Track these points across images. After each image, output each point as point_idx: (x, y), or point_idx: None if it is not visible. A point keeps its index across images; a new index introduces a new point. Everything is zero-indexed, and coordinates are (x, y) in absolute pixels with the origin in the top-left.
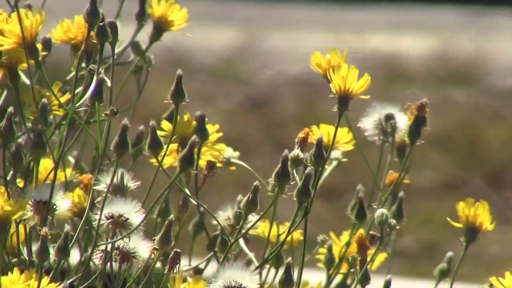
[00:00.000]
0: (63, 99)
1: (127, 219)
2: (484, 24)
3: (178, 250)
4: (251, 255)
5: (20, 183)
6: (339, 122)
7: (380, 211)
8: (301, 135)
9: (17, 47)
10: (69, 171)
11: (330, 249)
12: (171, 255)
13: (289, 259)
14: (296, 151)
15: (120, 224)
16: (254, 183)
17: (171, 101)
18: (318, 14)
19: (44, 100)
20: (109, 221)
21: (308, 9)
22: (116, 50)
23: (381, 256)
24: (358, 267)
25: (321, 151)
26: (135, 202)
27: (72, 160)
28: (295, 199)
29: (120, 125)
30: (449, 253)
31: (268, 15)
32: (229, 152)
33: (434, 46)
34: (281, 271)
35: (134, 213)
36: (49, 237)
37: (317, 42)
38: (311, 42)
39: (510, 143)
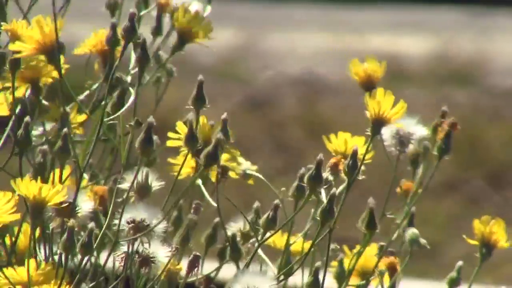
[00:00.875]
0: (80, 118)
1: (148, 224)
2: (484, 24)
3: (198, 254)
4: (271, 264)
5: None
6: (370, 144)
7: (412, 231)
8: (332, 161)
9: (36, 53)
10: (85, 181)
11: (341, 263)
12: (190, 258)
13: (318, 263)
14: (326, 175)
15: (141, 229)
16: (275, 201)
17: (192, 107)
18: (318, 14)
19: (67, 109)
20: (130, 225)
21: (308, 9)
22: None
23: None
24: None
25: (356, 162)
26: (157, 208)
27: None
28: (318, 218)
29: (146, 123)
30: (459, 263)
31: (268, 15)
32: (246, 165)
33: (434, 46)
34: (292, 278)
35: (155, 219)
36: (76, 229)
37: (317, 42)
38: (311, 42)
39: (510, 143)
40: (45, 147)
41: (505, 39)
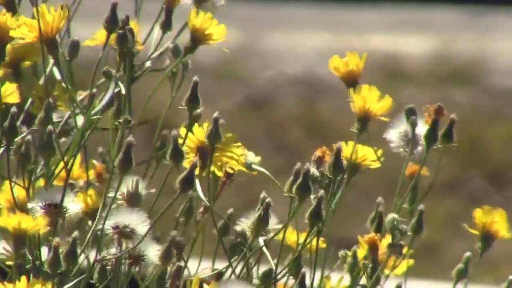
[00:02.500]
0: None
1: (132, 229)
2: (485, 24)
3: (181, 265)
4: (273, 263)
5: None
6: (357, 140)
7: (391, 217)
8: (317, 153)
9: (37, 41)
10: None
11: (355, 255)
12: (174, 269)
13: (304, 270)
14: (312, 169)
15: (125, 235)
16: (266, 200)
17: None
18: (318, 14)
19: (50, 100)
20: (115, 231)
21: (308, 8)
22: (154, 55)
23: (404, 264)
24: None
25: (340, 161)
26: (142, 212)
27: (95, 162)
28: (306, 221)
29: (125, 142)
30: (467, 253)
31: (268, 15)
32: (251, 157)
33: (434, 46)
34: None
35: (140, 224)
36: (60, 247)
37: (317, 42)
38: (311, 42)
39: (510, 143)
40: (29, 137)
41: (505, 39)
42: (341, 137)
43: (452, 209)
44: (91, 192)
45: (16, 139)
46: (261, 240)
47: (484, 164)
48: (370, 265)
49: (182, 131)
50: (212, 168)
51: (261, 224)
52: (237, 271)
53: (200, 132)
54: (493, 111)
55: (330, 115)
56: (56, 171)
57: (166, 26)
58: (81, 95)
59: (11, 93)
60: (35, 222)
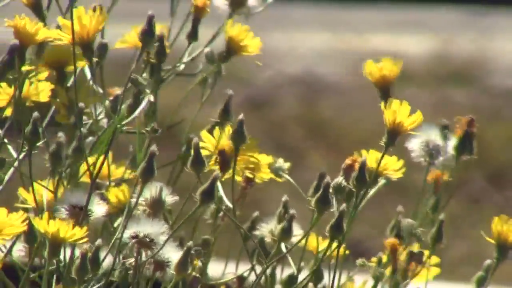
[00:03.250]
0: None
1: (152, 239)
2: (484, 24)
3: (197, 275)
4: (294, 268)
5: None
6: (385, 153)
7: (407, 222)
8: (348, 162)
9: (74, 44)
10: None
11: (380, 262)
12: (190, 281)
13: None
14: (340, 179)
15: (145, 244)
16: (291, 212)
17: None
18: (318, 14)
19: (82, 105)
20: (134, 240)
21: (308, 8)
22: (186, 60)
23: (434, 271)
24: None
25: (364, 175)
26: (162, 222)
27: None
28: (327, 234)
29: (148, 151)
30: (488, 261)
31: (268, 15)
32: (279, 163)
33: (434, 46)
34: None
35: (160, 234)
36: (89, 254)
37: (317, 42)
38: (311, 41)
39: (510, 143)
40: (62, 139)
41: (505, 39)
42: (341, 137)
43: (452, 209)
44: (123, 187)
45: (38, 144)
46: (282, 245)
47: (484, 164)
48: (394, 274)
49: (204, 135)
50: (230, 173)
51: (285, 235)
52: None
53: (221, 136)
54: (493, 111)
55: (330, 115)
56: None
57: (192, 37)
58: (112, 92)
59: (42, 90)
60: (72, 232)
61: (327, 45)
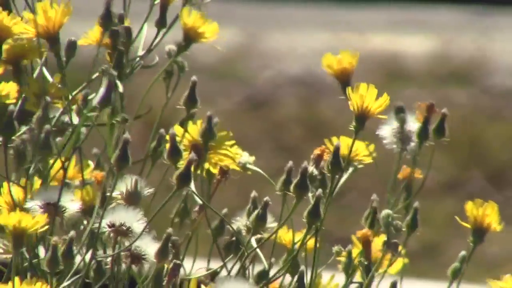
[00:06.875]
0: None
1: (129, 227)
2: (485, 24)
3: (178, 262)
4: (265, 263)
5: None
6: (355, 138)
7: (385, 212)
8: (316, 152)
9: (39, 37)
10: (89, 170)
11: (350, 254)
12: (170, 267)
13: (302, 267)
14: (311, 168)
15: (121, 233)
16: (265, 199)
17: (184, 107)
18: (318, 14)
19: (47, 98)
20: (111, 229)
21: (308, 8)
22: (142, 53)
23: (399, 262)
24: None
25: (338, 159)
26: (137, 210)
27: (90, 163)
28: (304, 220)
29: (121, 139)
30: (462, 252)
31: (268, 15)
32: (245, 157)
33: (434, 46)
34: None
35: (136, 222)
36: (60, 245)
37: (317, 42)
38: (311, 41)
39: (510, 143)
40: (26, 136)
41: (505, 39)
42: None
43: (452, 209)
44: (88, 188)
45: (13, 137)
46: (253, 240)
47: (484, 164)
48: (365, 263)
49: (177, 129)
50: (207, 165)
51: (259, 222)
52: (231, 271)
53: (194, 130)
54: (493, 111)
55: (330, 115)
56: (52, 171)
57: (161, 23)
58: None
59: (7, 93)
60: (35, 220)
61: (327, 45)
